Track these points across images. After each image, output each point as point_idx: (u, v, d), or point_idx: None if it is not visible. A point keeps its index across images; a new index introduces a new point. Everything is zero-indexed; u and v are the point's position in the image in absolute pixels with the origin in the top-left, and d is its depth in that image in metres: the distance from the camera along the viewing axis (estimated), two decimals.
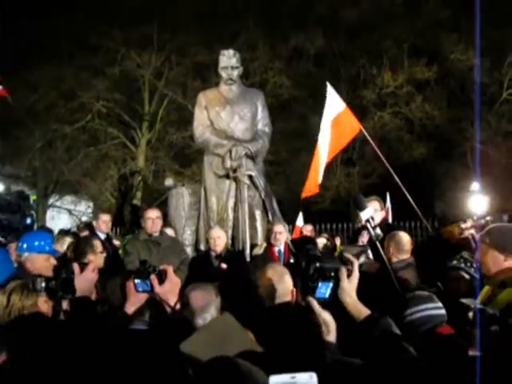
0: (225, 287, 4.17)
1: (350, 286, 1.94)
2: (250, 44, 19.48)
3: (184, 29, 19.22)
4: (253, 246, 6.12)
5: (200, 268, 5.16)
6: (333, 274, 1.94)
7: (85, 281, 2.43)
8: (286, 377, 1.35)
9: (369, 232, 4.00)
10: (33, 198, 19.57)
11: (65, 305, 2.47)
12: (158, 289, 2.36)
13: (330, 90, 6.84)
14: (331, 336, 2.00)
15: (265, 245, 5.63)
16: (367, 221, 3.68)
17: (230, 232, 6.35)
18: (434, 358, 1.89)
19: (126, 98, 20.07)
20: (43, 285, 2.44)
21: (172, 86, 20.20)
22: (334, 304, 1.94)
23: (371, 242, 4.09)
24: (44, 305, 2.69)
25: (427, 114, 20.09)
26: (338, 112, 6.74)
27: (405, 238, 4.22)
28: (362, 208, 3.63)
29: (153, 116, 20.90)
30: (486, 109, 20.33)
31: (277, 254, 5.44)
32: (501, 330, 1.95)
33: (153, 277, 2.37)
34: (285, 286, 2.80)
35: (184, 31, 19.29)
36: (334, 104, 6.81)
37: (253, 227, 6.37)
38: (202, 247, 6.40)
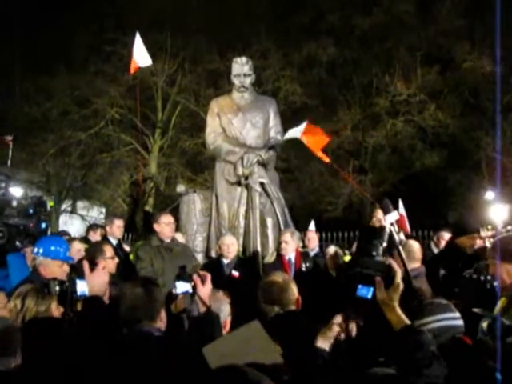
0: (236, 295, 4.16)
1: (386, 296, 1.91)
2: (263, 52, 19.56)
3: (197, 36, 19.37)
4: (264, 254, 6.10)
5: (211, 275, 5.15)
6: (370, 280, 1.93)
7: (95, 280, 2.44)
8: None
9: (392, 236, 4.00)
10: (50, 204, 19.76)
11: (78, 306, 2.49)
12: (200, 289, 2.57)
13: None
14: (326, 343, 2.04)
15: (276, 253, 5.60)
16: (391, 224, 3.67)
17: (241, 239, 6.33)
18: (453, 369, 1.85)
19: (139, 105, 20.21)
20: (57, 288, 2.47)
21: (185, 94, 20.34)
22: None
23: (392, 248, 4.06)
24: (56, 311, 2.70)
25: (440, 123, 19.95)
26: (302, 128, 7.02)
27: (415, 246, 4.19)
28: (387, 211, 3.65)
29: (165, 123, 21.03)
30: (501, 118, 20.15)
31: (288, 263, 5.40)
32: None
33: (196, 277, 2.60)
34: (290, 294, 2.79)
35: (197, 39, 19.43)
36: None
37: (264, 235, 6.34)
38: (213, 254, 6.39)
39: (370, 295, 1.91)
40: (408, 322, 1.89)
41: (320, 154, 7.28)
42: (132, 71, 9.33)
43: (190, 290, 2.63)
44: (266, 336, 2.05)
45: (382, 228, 4.24)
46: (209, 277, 2.65)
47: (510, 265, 2.71)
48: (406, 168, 20.44)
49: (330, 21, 20.81)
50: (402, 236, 5.19)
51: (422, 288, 3.67)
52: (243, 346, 1.95)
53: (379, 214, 4.45)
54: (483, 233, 4.73)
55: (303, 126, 7.06)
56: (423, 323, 2.45)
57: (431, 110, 19.86)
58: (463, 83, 20.18)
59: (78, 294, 2.50)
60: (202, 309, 2.54)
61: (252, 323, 2.17)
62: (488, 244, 4.56)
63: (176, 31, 19.38)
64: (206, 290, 2.60)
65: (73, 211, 21.16)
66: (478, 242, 4.58)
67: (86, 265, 2.47)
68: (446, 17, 20.06)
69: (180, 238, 6.06)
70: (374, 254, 2.06)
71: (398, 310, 1.91)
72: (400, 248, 3.94)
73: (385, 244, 3.28)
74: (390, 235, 4.13)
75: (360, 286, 1.93)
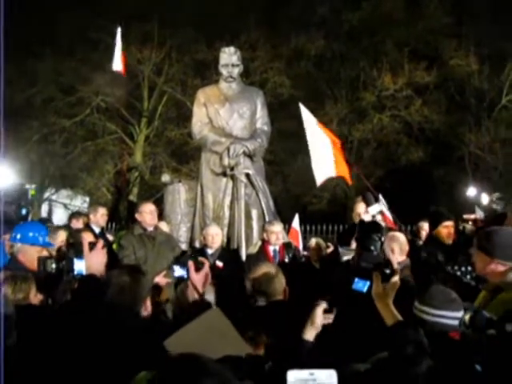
0: (220, 285, 4.15)
1: (382, 291, 1.90)
2: (251, 43, 19.47)
3: (185, 26, 19.20)
4: (248, 245, 6.08)
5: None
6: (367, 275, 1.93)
7: (94, 259, 2.43)
8: (304, 373, 1.31)
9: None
10: (31, 192, 19.51)
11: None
12: (193, 275, 2.52)
13: (304, 110, 6.78)
14: (310, 335, 2.03)
15: (259, 243, 5.58)
16: (374, 216, 3.69)
17: (225, 230, 6.31)
18: (438, 364, 1.86)
19: (125, 94, 20.02)
20: (54, 266, 2.43)
21: (171, 83, 20.19)
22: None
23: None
24: (35, 298, 2.66)
25: (426, 118, 20.14)
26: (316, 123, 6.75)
27: (402, 238, 4.23)
28: (369, 204, 3.71)
29: (152, 112, 20.86)
30: (484, 115, 20.40)
31: (272, 254, 5.38)
32: (497, 334, 1.93)
33: (190, 263, 2.55)
34: (277, 285, 2.79)
35: (185, 28, 19.26)
36: (311, 119, 6.81)
37: (249, 226, 6.33)
38: (197, 244, 6.37)
39: (365, 289, 1.91)
40: (400, 317, 1.89)
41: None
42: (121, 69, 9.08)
43: (185, 275, 2.61)
44: (227, 323, 2.01)
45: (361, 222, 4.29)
46: (207, 264, 2.61)
47: (485, 256, 2.73)
48: (392, 162, 20.60)
49: (319, 14, 20.80)
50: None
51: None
52: (205, 334, 1.90)
53: (359, 208, 4.47)
54: (466, 215, 4.81)
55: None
56: (427, 312, 2.41)
57: (417, 106, 20.02)
58: (449, 80, 20.36)
59: (75, 272, 2.48)
60: (195, 295, 2.52)
61: (212, 310, 2.11)
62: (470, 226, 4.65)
63: (164, 20, 19.18)
64: (199, 277, 2.55)
65: (54, 199, 20.94)
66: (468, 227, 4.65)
67: (85, 243, 2.44)
68: (433, 14, 20.19)
69: (165, 227, 6.02)
70: (373, 248, 2.07)
71: (392, 305, 1.91)
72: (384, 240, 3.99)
73: (383, 239, 3.30)
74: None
75: (356, 280, 1.93)
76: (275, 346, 2.07)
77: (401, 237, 4.21)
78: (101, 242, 2.54)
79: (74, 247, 2.49)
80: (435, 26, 20.10)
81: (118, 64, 9.00)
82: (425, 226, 5.37)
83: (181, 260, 2.75)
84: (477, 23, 19.44)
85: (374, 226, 2.19)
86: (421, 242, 5.24)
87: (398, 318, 1.88)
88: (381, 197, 7.90)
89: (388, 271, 1.91)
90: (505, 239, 2.75)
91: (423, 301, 2.47)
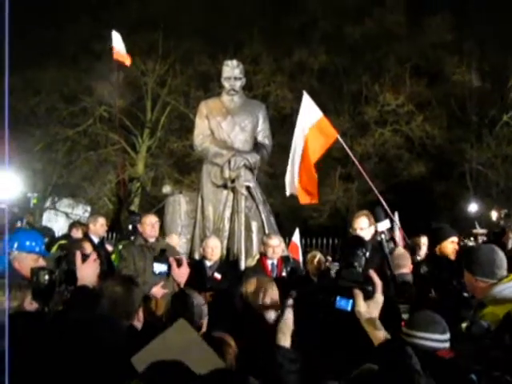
0: (217, 297, 4.14)
1: (366, 309, 1.86)
2: (254, 56, 19.60)
3: (189, 38, 19.36)
4: (247, 258, 6.07)
5: (194, 276, 5.12)
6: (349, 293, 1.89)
7: (87, 271, 2.43)
8: None
9: (382, 244, 4.03)
10: (33, 201, 19.54)
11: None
12: (175, 271, 2.74)
13: (307, 99, 6.72)
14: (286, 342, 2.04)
15: (258, 257, 5.56)
16: (382, 233, 3.67)
17: (225, 242, 6.32)
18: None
19: (128, 105, 20.14)
20: (46, 277, 2.42)
21: (175, 95, 20.30)
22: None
23: (383, 255, 4.08)
24: (29, 305, 2.66)
25: (427, 134, 20.20)
26: (315, 121, 6.64)
27: (405, 253, 4.28)
28: (379, 220, 3.70)
29: (154, 123, 20.95)
30: (486, 131, 20.47)
31: (269, 267, 5.36)
32: (493, 343, 1.94)
33: (172, 259, 2.78)
34: (271, 297, 2.80)
35: (189, 41, 19.42)
36: (311, 113, 6.69)
37: (248, 238, 6.33)
38: (197, 256, 6.36)
39: (349, 307, 1.87)
40: (388, 336, 1.85)
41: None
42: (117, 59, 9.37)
43: (166, 271, 2.81)
44: (194, 334, 1.95)
45: (363, 239, 4.28)
46: (184, 260, 2.81)
47: (468, 273, 2.83)
48: (393, 177, 20.62)
49: (322, 28, 20.96)
50: (391, 244, 5.21)
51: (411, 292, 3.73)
52: (173, 348, 1.83)
53: (357, 223, 4.43)
54: (475, 230, 4.80)
55: (318, 116, 6.57)
56: (412, 334, 2.45)
57: (419, 121, 20.10)
58: (451, 96, 20.46)
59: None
60: (176, 289, 2.68)
61: (178, 322, 2.04)
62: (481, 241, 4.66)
63: (168, 32, 19.36)
64: (181, 271, 2.73)
65: (56, 208, 20.94)
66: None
67: (78, 255, 2.46)
68: (435, 30, 20.34)
69: (175, 240, 6.10)
70: (356, 264, 2.03)
71: (378, 323, 1.87)
72: (389, 257, 3.98)
73: (368, 254, 3.29)
74: (380, 244, 4.18)
75: (338, 298, 1.89)
76: (249, 356, 2.06)
77: (403, 251, 4.26)
78: (94, 254, 2.55)
79: (67, 258, 2.51)
80: (437, 42, 20.25)
81: (122, 55, 9.31)
82: (423, 241, 5.34)
83: (158, 257, 2.93)
84: (479, 40, 19.61)
85: (358, 241, 2.18)
86: (418, 258, 5.22)
87: (385, 336, 1.84)
88: (396, 216, 7.78)
89: (370, 288, 1.88)
90: (483, 257, 2.83)
91: (409, 324, 2.52)
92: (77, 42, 18.93)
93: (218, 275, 5.16)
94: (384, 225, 4.33)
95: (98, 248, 5.55)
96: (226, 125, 6.76)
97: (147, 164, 20.72)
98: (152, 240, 5.21)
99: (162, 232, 6.48)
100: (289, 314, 2.10)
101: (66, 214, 21.22)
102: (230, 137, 6.72)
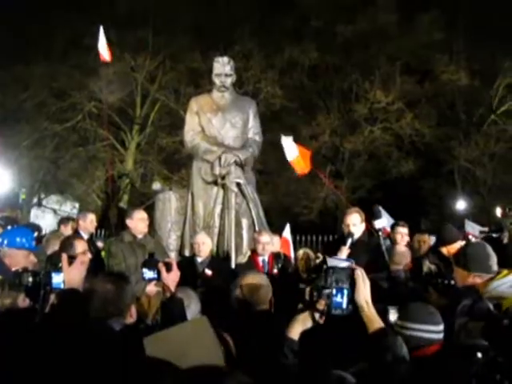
0: (208, 293, 4.14)
1: (366, 290, 1.87)
2: (245, 53, 19.56)
3: (180, 34, 19.26)
4: (238, 254, 6.08)
5: (184, 273, 5.10)
6: (347, 277, 1.86)
7: (73, 274, 2.40)
8: None
9: (379, 241, 4.08)
10: (22, 196, 19.36)
11: (52, 297, 2.43)
12: (165, 276, 2.62)
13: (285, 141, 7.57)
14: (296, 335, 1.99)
15: (249, 253, 5.57)
16: (379, 230, 3.71)
17: (215, 239, 6.31)
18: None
19: (118, 100, 20.00)
20: (30, 279, 2.40)
21: (165, 91, 20.20)
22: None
23: (379, 252, 4.12)
24: (22, 303, 2.64)
25: (417, 131, 20.33)
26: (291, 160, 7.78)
27: (405, 250, 4.34)
28: (376, 217, 3.77)
29: (144, 119, 20.84)
30: (474, 129, 20.66)
31: (261, 264, 5.38)
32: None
33: (161, 265, 2.66)
34: (263, 294, 2.80)
35: (180, 37, 19.32)
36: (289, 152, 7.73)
37: (239, 235, 6.33)
38: (187, 253, 6.35)
39: (345, 304, 1.85)
40: (382, 324, 1.87)
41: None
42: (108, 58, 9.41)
43: (156, 276, 2.71)
44: (211, 333, 1.93)
45: (350, 234, 4.32)
46: (174, 264, 2.71)
47: (461, 269, 2.89)
48: (382, 174, 20.73)
49: (313, 26, 20.97)
50: (388, 241, 5.25)
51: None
52: (186, 340, 1.84)
53: (349, 219, 4.45)
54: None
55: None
56: (406, 326, 2.47)
57: (408, 119, 20.22)
58: (440, 94, 20.60)
59: (53, 286, 2.43)
60: (167, 294, 2.59)
61: (199, 318, 2.06)
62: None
63: (159, 28, 19.24)
64: (171, 276, 2.65)
65: (43, 204, 20.77)
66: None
67: (64, 258, 2.42)
68: (425, 29, 20.46)
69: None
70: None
71: (373, 310, 1.87)
72: (386, 254, 4.02)
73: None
74: (377, 242, 4.22)
75: (334, 292, 1.86)
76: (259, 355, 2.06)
77: (402, 248, 4.32)
78: (81, 257, 2.53)
79: (51, 260, 2.47)
80: (427, 40, 20.36)
81: (104, 54, 9.38)
82: (425, 238, 5.29)
83: (147, 262, 2.84)
84: (468, 39, 19.76)
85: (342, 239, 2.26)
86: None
87: (380, 324, 1.86)
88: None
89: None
90: (479, 252, 2.87)
91: (403, 316, 2.53)
92: (66, 37, 18.74)
93: (208, 271, 5.16)
94: (381, 222, 4.38)
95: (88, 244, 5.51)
96: (216, 121, 6.74)
97: (136, 160, 20.60)
98: (140, 236, 5.18)
99: (152, 229, 6.46)
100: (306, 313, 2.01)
101: (54, 211, 21.07)
102: (220, 133, 6.71)
